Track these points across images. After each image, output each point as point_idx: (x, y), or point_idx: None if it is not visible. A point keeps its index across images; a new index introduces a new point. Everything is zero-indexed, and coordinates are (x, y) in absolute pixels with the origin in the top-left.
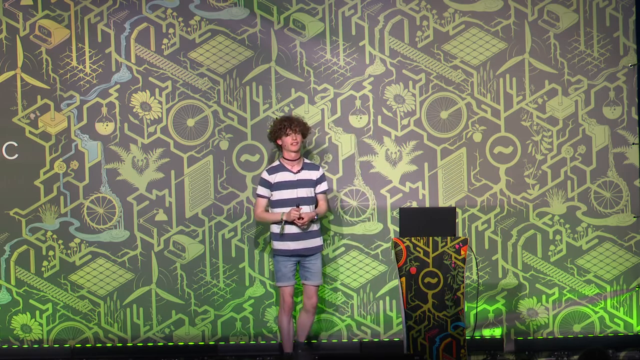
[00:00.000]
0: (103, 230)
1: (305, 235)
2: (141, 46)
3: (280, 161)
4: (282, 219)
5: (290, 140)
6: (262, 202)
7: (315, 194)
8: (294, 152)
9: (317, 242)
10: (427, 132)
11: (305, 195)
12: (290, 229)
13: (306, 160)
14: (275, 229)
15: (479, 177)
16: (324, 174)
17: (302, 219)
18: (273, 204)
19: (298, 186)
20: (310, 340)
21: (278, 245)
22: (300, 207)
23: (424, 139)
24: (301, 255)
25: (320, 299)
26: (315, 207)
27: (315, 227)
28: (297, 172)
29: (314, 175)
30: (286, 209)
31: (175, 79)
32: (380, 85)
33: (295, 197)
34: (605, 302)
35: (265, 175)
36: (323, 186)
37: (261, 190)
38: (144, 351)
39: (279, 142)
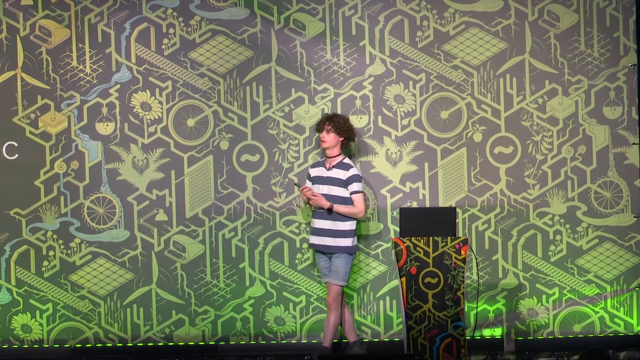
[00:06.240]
0: (103, 230)
1: (322, 232)
2: (141, 46)
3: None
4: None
5: (321, 137)
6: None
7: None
8: (325, 149)
9: (339, 241)
10: (428, 132)
11: (337, 194)
12: (312, 223)
13: (345, 160)
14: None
15: (479, 177)
16: (354, 174)
17: (315, 196)
18: None
19: (328, 183)
20: (310, 340)
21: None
22: (297, 184)
23: (424, 139)
24: (321, 252)
25: (320, 299)
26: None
27: (339, 226)
28: (329, 169)
29: (342, 174)
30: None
31: (176, 79)
32: (381, 85)
33: (326, 193)
34: (605, 302)
35: (309, 167)
36: (351, 187)
37: (308, 182)
38: (144, 351)
39: None
